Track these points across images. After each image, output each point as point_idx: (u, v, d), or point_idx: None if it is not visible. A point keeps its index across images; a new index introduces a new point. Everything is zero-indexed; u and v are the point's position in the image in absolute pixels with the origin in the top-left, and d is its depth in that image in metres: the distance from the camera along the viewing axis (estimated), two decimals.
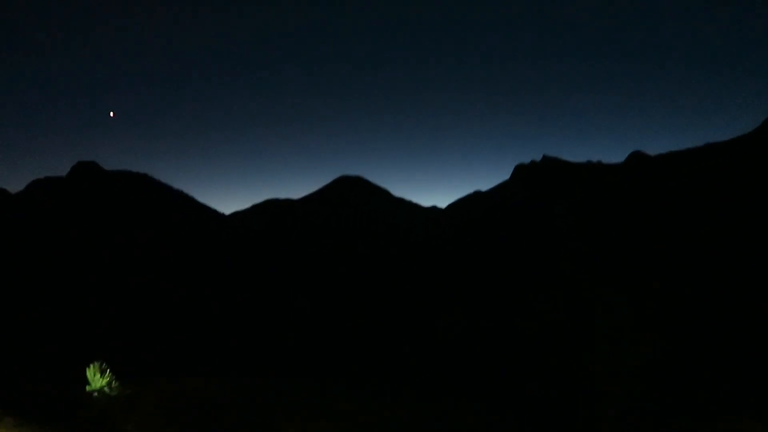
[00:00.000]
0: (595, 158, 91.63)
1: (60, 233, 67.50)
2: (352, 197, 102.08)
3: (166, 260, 66.71)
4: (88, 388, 27.59)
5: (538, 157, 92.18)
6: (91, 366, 27.78)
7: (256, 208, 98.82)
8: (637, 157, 79.24)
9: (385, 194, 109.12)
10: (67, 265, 60.55)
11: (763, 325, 36.60)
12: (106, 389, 27.41)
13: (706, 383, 31.97)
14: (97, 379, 27.41)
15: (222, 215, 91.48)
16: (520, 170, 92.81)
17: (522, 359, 31.88)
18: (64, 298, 53.77)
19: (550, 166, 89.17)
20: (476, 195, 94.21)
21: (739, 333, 36.57)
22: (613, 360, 28.04)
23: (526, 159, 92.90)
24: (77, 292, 55.32)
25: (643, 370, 27.89)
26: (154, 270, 63.45)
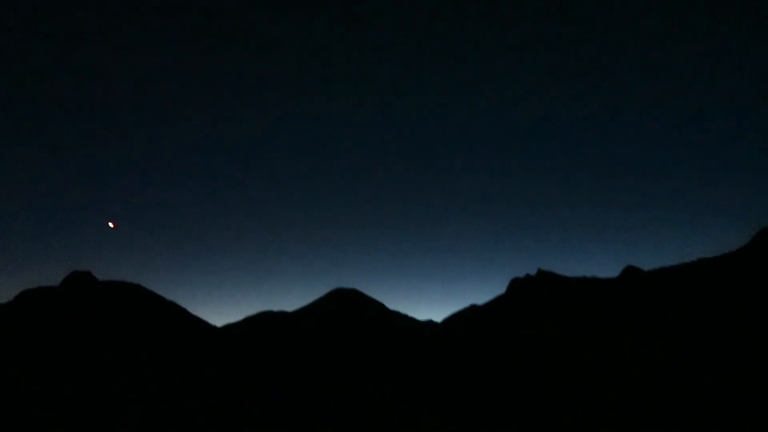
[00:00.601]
0: (589, 272, 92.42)
1: (51, 347, 65.84)
2: (346, 310, 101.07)
3: (157, 373, 64.89)
4: None
5: (533, 271, 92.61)
6: None
7: (249, 320, 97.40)
8: (631, 271, 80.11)
9: (380, 307, 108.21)
10: (58, 379, 58.54)
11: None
12: None
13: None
14: None
15: (214, 327, 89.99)
16: (515, 284, 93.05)
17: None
18: (54, 411, 51.49)
19: (545, 280, 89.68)
20: (472, 309, 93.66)
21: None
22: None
23: (521, 273, 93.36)
24: (68, 405, 53.12)
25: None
26: (146, 384, 61.51)
